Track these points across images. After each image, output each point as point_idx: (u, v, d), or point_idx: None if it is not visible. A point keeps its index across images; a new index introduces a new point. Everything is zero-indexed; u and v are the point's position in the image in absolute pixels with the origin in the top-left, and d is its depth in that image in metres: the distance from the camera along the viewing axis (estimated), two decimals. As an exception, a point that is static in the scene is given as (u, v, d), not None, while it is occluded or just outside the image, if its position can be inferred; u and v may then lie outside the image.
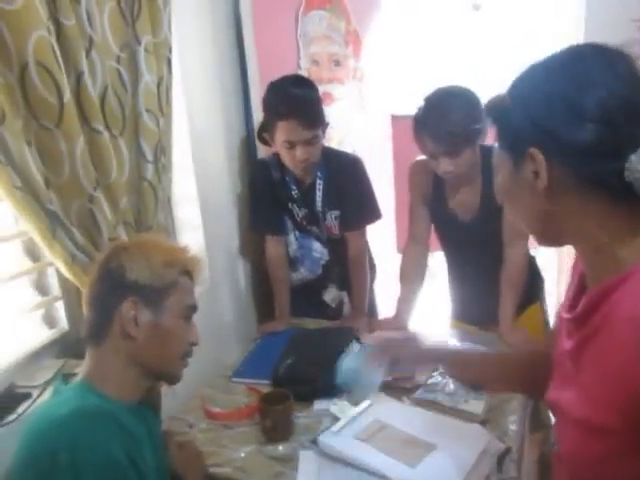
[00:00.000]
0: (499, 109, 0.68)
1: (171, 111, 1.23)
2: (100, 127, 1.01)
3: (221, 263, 1.63)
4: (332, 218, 1.67)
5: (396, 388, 1.31)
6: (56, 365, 1.09)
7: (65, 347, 1.16)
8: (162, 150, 1.18)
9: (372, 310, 1.83)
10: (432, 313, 2.12)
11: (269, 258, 1.70)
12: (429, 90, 1.45)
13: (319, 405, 1.27)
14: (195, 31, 1.47)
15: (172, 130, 1.25)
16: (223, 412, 1.28)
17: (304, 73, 2.05)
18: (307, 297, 1.74)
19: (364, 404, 1.23)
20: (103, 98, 1.03)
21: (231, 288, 1.70)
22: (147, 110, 1.13)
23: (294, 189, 1.64)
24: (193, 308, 0.94)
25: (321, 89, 1.68)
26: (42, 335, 1.14)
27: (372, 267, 1.82)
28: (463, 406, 1.23)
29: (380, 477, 1.01)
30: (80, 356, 0.91)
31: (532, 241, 1.16)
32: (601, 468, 0.61)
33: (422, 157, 1.54)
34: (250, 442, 1.18)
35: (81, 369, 0.88)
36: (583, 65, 0.61)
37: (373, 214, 1.70)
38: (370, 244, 1.79)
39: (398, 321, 1.62)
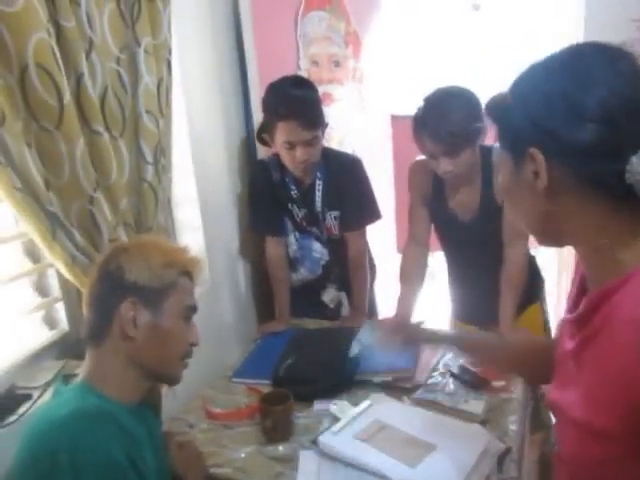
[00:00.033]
0: (500, 108, 0.68)
1: (171, 112, 1.23)
2: (100, 128, 1.01)
3: (221, 264, 1.63)
4: (332, 218, 1.67)
5: (396, 388, 1.32)
6: (56, 366, 1.10)
7: (65, 348, 1.16)
8: (162, 151, 1.19)
9: (372, 310, 1.83)
10: (432, 313, 2.12)
11: (269, 259, 1.71)
12: (429, 90, 1.45)
13: (319, 405, 1.28)
14: (195, 32, 1.48)
15: (172, 131, 1.25)
16: (223, 412, 1.29)
17: (304, 74, 2.06)
18: (306, 297, 1.74)
19: (364, 404, 1.23)
20: (103, 99, 1.03)
21: (231, 289, 1.70)
22: (147, 111, 1.13)
23: (294, 189, 1.64)
24: (193, 309, 0.94)
25: (321, 90, 1.68)
26: (42, 336, 1.15)
27: (372, 267, 1.82)
28: (463, 406, 1.23)
29: (380, 477, 1.01)
30: (80, 357, 0.91)
31: (532, 241, 1.16)
32: (602, 471, 0.61)
33: (422, 157, 1.54)
34: (250, 442, 1.18)
35: (81, 370, 0.88)
36: (584, 64, 0.60)
37: (373, 214, 1.70)
38: (370, 244, 1.79)
39: (398, 321, 1.62)
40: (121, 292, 0.85)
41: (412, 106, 1.49)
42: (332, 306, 1.75)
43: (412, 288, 1.66)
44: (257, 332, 1.70)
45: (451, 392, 1.28)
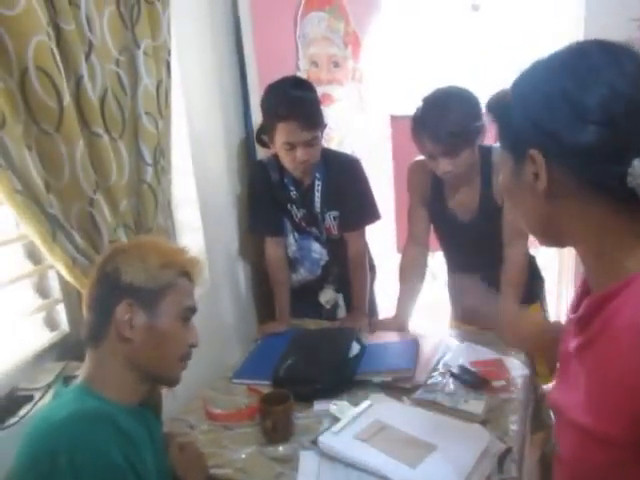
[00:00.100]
0: (500, 107, 0.67)
1: (170, 114, 1.23)
2: (100, 130, 1.01)
3: (221, 265, 1.63)
4: (331, 219, 1.67)
5: (396, 388, 1.32)
6: (57, 368, 1.10)
7: (66, 349, 1.16)
8: (161, 152, 1.19)
9: (372, 310, 1.83)
10: (432, 313, 2.12)
11: (269, 260, 1.71)
12: (428, 91, 1.45)
13: (319, 406, 1.28)
14: (194, 34, 1.48)
15: (171, 132, 1.25)
16: (224, 413, 1.29)
17: (303, 75, 2.06)
18: (304, 297, 1.74)
19: (364, 404, 1.23)
20: (103, 101, 1.03)
21: (231, 289, 1.70)
22: (146, 113, 1.13)
23: (293, 190, 1.64)
24: (192, 310, 0.93)
25: (320, 90, 1.68)
26: (43, 338, 1.15)
27: (372, 267, 1.82)
28: (463, 406, 1.23)
29: (380, 477, 1.02)
30: (81, 358, 0.91)
31: (532, 241, 1.16)
32: (602, 475, 0.60)
33: (421, 157, 1.54)
34: (251, 443, 1.18)
35: (81, 371, 0.88)
36: (586, 62, 0.59)
37: (372, 215, 1.70)
38: (370, 244, 1.79)
39: (398, 321, 1.62)
40: (118, 293, 0.85)
41: (412, 106, 1.49)
42: (328, 307, 1.76)
43: (412, 288, 1.66)
44: (257, 333, 1.71)
45: (451, 392, 1.28)
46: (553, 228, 0.66)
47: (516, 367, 1.37)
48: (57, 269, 1.03)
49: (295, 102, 1.48)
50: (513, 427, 1.17)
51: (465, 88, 1.43)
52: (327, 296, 1.74)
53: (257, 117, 1.66)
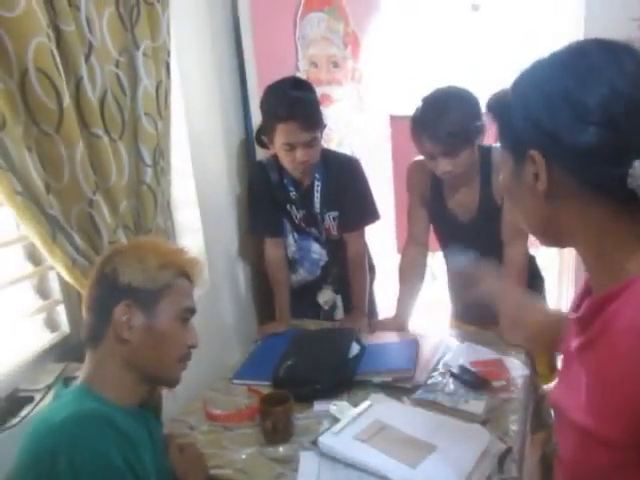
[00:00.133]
0: (501, 106, 0.67)
1: (170, 115, 1.23)
2: (99, 131, 1.01)
3: (221, 265, 1.63)
4: (330, 219, 1.67)
5: (396, 388, 1.32)
6: (58, 369, 1.10)
7: (66, 350, 1.16)
8: (161, 153, 1.19)
9: (372, 310, 1.83)
10: (432, 313, 2.12)
11: (268, 260, 1.71)
12: (428, 90, 1.45)
13: (319, 406, 1.28)
14: (194, 34, 1.48)
15: (171, 133, 1.25)
16: (224, 414, 1.29)
17: (303, 75, 2.06)
18: (303, 298, 1.74)
19: (364, 405, 1.23)
20: (102, 102, 1.04)
21: (231, 290, 1.70)
22: (146, 114, 1.13)
23: (292, 191, 1.64)
24: (191, 311, 0.93)
25: (320, 91, 1.68)
26: (44, 339, 1.15)
27: (371, 268, 1.82)
28: (463, 406, 1.23)
29: (380, 478, 1.02)
30: (81, 359, 0.91)
31: (532, 241, 1.16)
32: (603, 477, 0.60)
33: (420, 157, 1.54)
34: (251, 444, 1.18)
35: (81, 372, 0.88)
36: (586, 61, 0.58)
37: (372, 215, 1.70)
38: (370, 244, 1.79)
39: (398, 321, 1.62)
40: (117, 294, 0.85)
41: (411, 106, 1.49)
42: (327, 308, 1.76)
43: (411, 288, 1.66)
44: (257, 333, 1.71)
45: (451, 392, 1.28)
46: (553, 228, 0.66)
47: (516, 367, 1.37)
48: (57, 270, 1.03)
49: (295, 103, 1.48)
50: (513, 427, 1.17)
51: (465, 88, 1.43)
52: (325, 297, 1.74)
53: (257, 118, 1.66)
